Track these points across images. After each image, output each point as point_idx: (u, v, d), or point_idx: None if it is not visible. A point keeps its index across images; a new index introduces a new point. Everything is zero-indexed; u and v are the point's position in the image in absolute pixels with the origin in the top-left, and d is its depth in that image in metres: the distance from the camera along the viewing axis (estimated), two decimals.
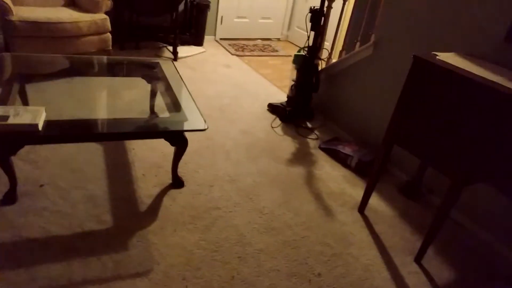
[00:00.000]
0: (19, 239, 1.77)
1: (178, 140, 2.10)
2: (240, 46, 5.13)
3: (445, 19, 2.34)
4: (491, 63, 2.03)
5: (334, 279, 1.87)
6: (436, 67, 1.83)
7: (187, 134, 2.15)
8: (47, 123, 1.81)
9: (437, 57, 1.92)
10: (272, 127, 3.22)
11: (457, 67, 1.81)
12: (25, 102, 2.20)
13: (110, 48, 3.44)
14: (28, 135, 1.74)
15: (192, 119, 2.15)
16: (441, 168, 1.88)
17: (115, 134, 2.02)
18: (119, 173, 2.31)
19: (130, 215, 2.02)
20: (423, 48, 2.47)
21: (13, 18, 2.90)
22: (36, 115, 1.75)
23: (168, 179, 2.33)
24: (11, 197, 1.96)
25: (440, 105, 1.83)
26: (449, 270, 2.05)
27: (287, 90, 3.64)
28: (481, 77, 1.73)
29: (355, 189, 2.57)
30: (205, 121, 2.08)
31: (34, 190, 2.06)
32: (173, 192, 2.24)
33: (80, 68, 2.73)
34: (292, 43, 5.70)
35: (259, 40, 5.54)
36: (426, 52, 2.01)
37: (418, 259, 2.07)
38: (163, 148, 2.60)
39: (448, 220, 2.41)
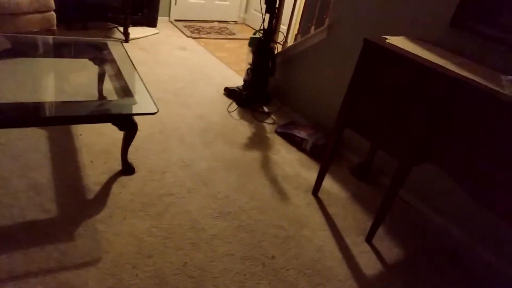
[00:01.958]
0: None
1: (127, 124, 2.01)
2: (196, 28, 5.01)
3: (396, 3, 2.37)
4: (438, 47, 2.09)
5: (287, 261, 1.89)
6: (385, 50, 1.85)
7: (138, 119, 2.07)
8: None
9: (387, 40, 1.94)
10: (228, 112, 3.18)
11: (405, 50, 1.85)
12: None
13: (55, 27, 3.23)
14: None
15: (142, 102, 2.07)
16: (389, 150, 1.93)
17: (58, 118, 1.91)
18: (65, 160, 2.20)
19: (76, 203, 1.93)
20: (376, 32, 2.50)
21: None
22: None
23: (118, 165, 2.24)
24: None
25: (389, 88, 1.86)
26: (399, 248, 2.12)
27: (243, 74, 3.59)
28: (428, 60, 1.77)
29: (310, 172, 2.60)
30: (155, 105, 2.01)
31: None
32: (123, 179, 2.16)
33: (21, 48, 2.55)
34: (250, 26, 5.63)
35: (216, 23, 5.43)
36: (377, 35, 2.03)
37: (369, 239, 2.13)
38: (113, 134, 2.49)
39: (398, 200, 2.49)
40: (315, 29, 3.04)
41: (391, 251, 2.10)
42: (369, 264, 1.98)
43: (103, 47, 2.66)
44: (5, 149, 2.17)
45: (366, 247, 2.09)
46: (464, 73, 1.69)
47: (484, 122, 1.59)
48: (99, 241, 1.75)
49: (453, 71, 1.69)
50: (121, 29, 4.13)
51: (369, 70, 1.93)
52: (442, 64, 1.75)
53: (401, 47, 1.89)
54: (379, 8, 2.47)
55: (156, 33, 4.49)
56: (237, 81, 3.71)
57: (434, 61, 1.78)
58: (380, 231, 2.19)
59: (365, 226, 2.22)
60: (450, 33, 2.11)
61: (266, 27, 3.12)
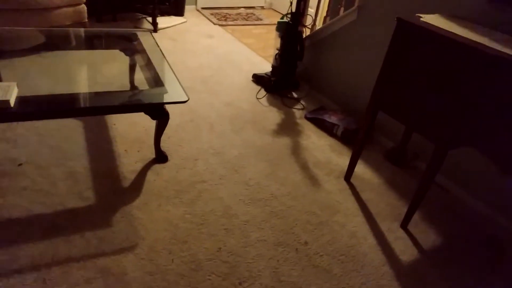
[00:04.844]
0: None
1: (159, 113, 2.04)
2: (223, 15, 4.99)
3: None
4: (475, 24, 1.99)
5: (320, 247, 1.88)
6: (420, 29, 1.78)
7: (169, 108, 2.09)
8: (20, 99, 1.74)
9: (421, 19, 1.86)
10: (257, 98, 3.16)
11: (441, 28, 1.77)
12: None
13: (86, 20, 3.29)
14: None
15: (172, 91, 2.09)
16: (425, 133, 1.87)
17: (92, 109, 1.95)
18: (101, 150, 2.26)
19: (113, 191, 1.98)
20: (408, 11, 2.40)
21: None
22: (7, 91, 1.68)
23: (151, 154, 2.28)
24: None
25: (424, 69, 1.79)
26: (435, 234, 2.07)
27: (271, 59, 3.56)
28: (465, 38, 1.69)
29: (342, 158, 2.56)
30: (186, 93, 2.02)
31: (13, 169, 2.01)
32: (157, 167, 2.20)
33: (54, 41, 2.62)
34: (276, 11, 5.56)
35: (242, 9, 5.39)
36: (410, 14, 1.95)
37: (404, 225, 2.09)
38: (145, 123, 2.53)
39: (433, 185, 2.43)
40: (344, 11, 2.96)
41: (428, 237, 2.05)
42: (405, 250, 1.94)
43: (133, 38, 2.70)
44: (44, 140, 2.25)
45: (402, 233, 2.05)
46: (504, 50, 1.60)
47: None
48: (135, 227, 1.80)
49: (492, 48, 1.61)
50: (150, 19, 4.17)
51: (403, 50, 1.87)
52: (480, 41, 1.67)
53: (436, 25, 1.81)
54: None
55: (184, 22, 4.50)
56: (265, 67, 3.68)
57: (472, 39, 1.69)
58: (416, 217, 2.14)
59: (399, 211, 2.18)
60: (488, 9, 2.00)
61: (294, 10, 3.07)
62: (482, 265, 1.92)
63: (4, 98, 1.63)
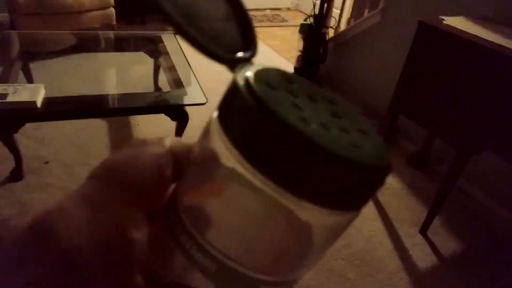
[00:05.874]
0: (26, 215, 1.81)
1: (178, 114, 2.09)
2: None
3: None
4: (502, 25, 1.92)
5: (335, 251, 1.87)
6: (442, 32, 1.74)
7: (190, 109, 2.13)
8: (47, 100, 1.81)
9: (444, 21, 1.82)
10: None
11: (463, 31, 1.72)
12: (30, 80, 2.21)
13: (114, 23, 3.40)
14: (27, 113, 1.75)
15: (192, 93, 2.13)
16: (446, 138, 1.83)
17: (113, 110, 2.02)
18: None
19: None
20: (433, 13, 2.35)
21: None
22: (34, 93, 1.76)
23: None
24: (17, 174, 2.00)
25: (445, 73, 1.75)
26: (455, 241, 2.02)
27: (294, 61, 3.56)
28: (489, 41, 1.64)
29: None
30: (204, 95, 2.06)
31: (40, 166, 2.10)
32: None
33: (83, 44, 2.72)
34: (303, 12, 5.53)
35: (268, 10, 5.41)
36: (434, 17, 1.91)
37: (423, 231, 2.05)
38: (167, 124, 2.58)
39: (456, 191, 2.36)
40: (369, 12, 2.93)
41: (447, 244, 2.00)
42: (422, 257, 1.90)
43: (157, 40, 2.76)
44: (70, 139, 2.34)
45: (420, 239, 2.01)
46: None
47: None
48: None
49: None
50: None
51: (425, 53, 1.83)
52: (505, 45, 1.62)
53: (460, 28, 1.77)
54: None
55: None
56: (288, 69, 3.66)
57: (497, 42, 1.64)
58: (436, 223, 2.09)
59: (420, 217, 2.13)
60: None
61: (317, 12, 3.06)
62: (505, 276, 1.85)
63: (31, 99, 1.71)
